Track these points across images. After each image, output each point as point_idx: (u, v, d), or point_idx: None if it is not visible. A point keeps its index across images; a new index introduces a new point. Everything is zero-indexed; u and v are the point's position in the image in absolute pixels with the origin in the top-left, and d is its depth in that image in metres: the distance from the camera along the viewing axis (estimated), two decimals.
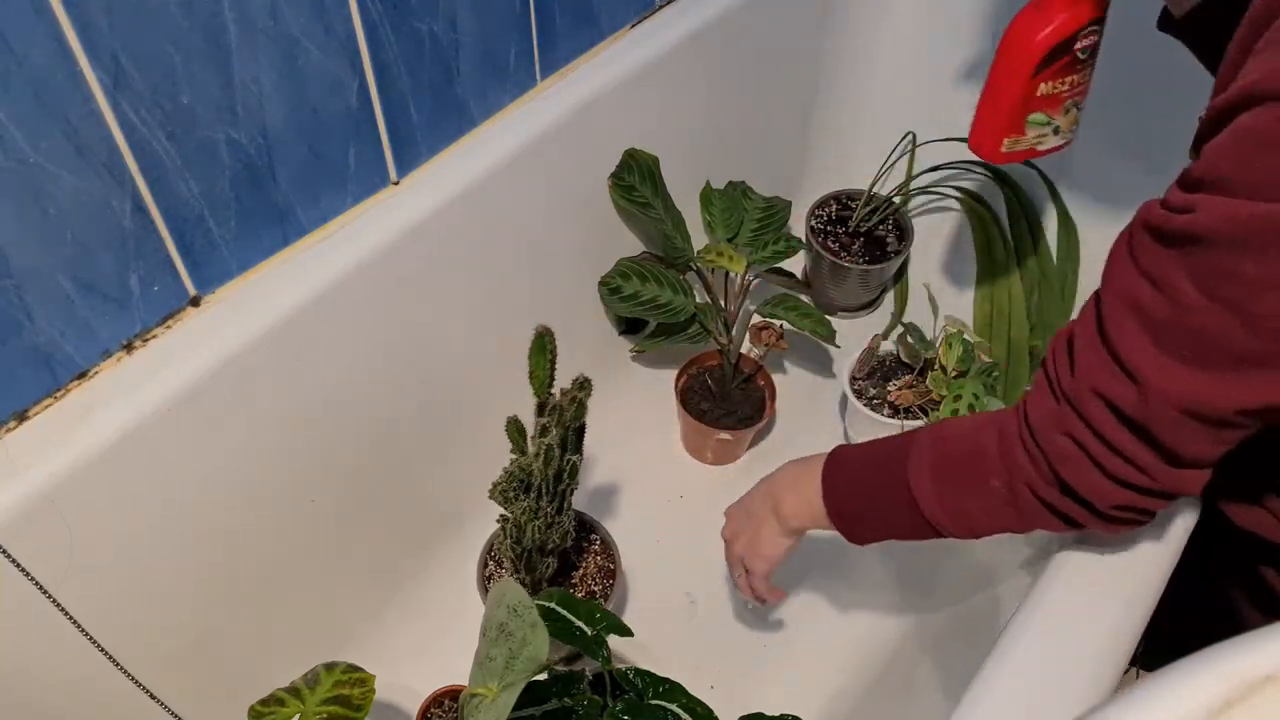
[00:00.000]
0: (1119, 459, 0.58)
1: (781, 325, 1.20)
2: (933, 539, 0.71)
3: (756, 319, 1.21)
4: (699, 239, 1.25)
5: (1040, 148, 0.96)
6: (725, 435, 1.21)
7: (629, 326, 1.31)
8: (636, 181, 1.15)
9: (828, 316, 1.43)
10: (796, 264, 1.47)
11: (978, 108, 0.96)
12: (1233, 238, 0.49)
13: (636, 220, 1.21)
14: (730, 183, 1.30)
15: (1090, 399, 0.57)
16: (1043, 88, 0.89)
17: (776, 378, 1.27)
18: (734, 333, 1.20)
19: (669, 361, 1.30)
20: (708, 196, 1.27)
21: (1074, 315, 1.34)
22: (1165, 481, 0.58)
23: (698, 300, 1.21)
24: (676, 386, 1.25)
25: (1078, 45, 0.88)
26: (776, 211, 1.29)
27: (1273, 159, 0.47)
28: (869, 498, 0.73)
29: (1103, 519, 0.62)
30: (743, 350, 1.23)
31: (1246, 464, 0.69)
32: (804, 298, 1.27)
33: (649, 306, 1.19)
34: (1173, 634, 0.71)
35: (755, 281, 1.23)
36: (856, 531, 0.76)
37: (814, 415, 1.29)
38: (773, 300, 1.22)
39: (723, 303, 1.20)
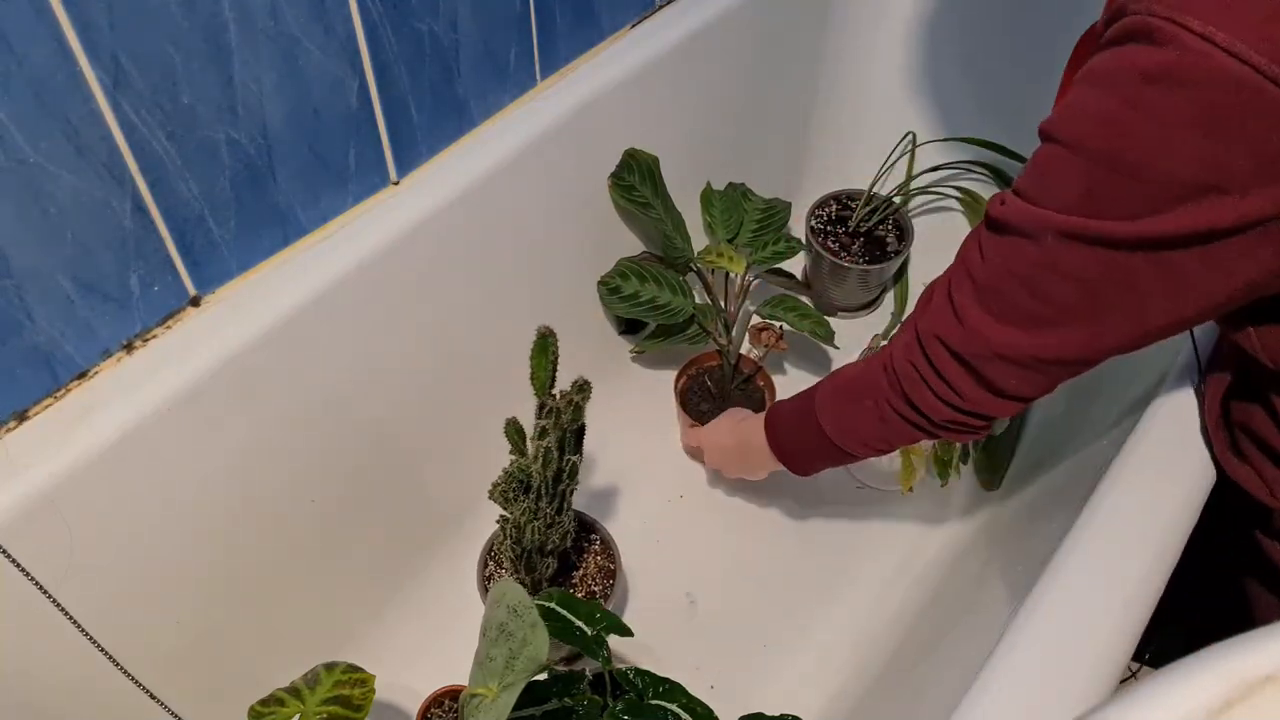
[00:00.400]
0: (944, 384, 0.74)
1: (781, 326, 1.20)
2: (843, 460, 0.91)
3: (756, 320, 1.21)
4: (699, 240, 1.25)
5: None
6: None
7: (628, 327, 1.31)
8: (636, 181, 1.15)
9: (827, 317, 1.43)
10: (796, 265, 1.47)
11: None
12: (1020, 227, 0.65)
13: (636, 220, 1.21)
14: (730, 184, 1.30)
15: (931, 338, 0.74)
16: None
17: (776, 378, 1.27)
18: (734, 333, 1.19)
19: (669, 362, 1.30)
20: (708, 197, 1.27)
21: None
22: (976, 404, 0.74)
23: (697, 301, 1.21)
24: (676, 387, 1.25)
25: None
26: (776, 212, 1.28)
27: (1047, 184, 0.63)
28: (796, 433, 0.93)
29: (938, 428, 0.79)
30: (742, 351, 1.22)
31: (1238, 417, 0.76)
32: (804, 299, 1.26)
33: (648, 307, 1.19)
34: (1177, 616, 0.73)
35: (755, 282, 1.23)
36: (796, 464, 0.96)
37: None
38: (772, 301, 1.22)
39: (722, 303, 1.20)
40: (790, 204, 1.31)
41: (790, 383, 1.34)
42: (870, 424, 0.83)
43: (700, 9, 1.17)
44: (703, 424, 1.17)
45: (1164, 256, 0.59)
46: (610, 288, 1.19)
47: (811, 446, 0.91)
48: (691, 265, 1.20)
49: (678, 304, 1.19)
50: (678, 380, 1.26)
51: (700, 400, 1.24)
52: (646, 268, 1.19)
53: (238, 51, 0.76)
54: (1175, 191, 0.56)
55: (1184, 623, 0.82)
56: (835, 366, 1.31)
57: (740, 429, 1.05)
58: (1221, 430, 0.78)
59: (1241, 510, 0.79)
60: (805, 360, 1.36)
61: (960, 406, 0.75)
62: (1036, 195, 0.64)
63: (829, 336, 1.20)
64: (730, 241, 1.24)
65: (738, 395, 1.24)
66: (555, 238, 1.12)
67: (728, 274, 1.18)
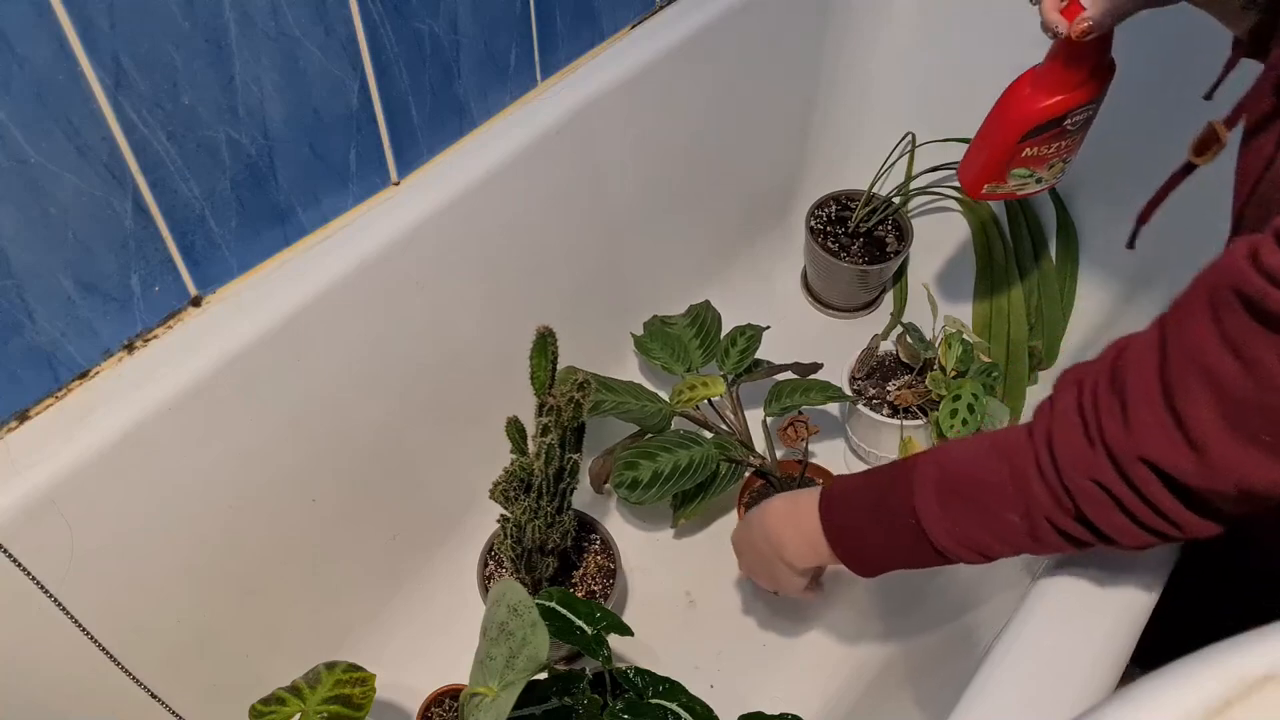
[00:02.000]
0: (1155, 515, 0.56)
1: (801, 411, 1.13)
2: (944, 565, 0.69)
3: (773, 420, 1.13)
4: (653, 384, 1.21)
5: (1020, 193, 0.98)
6: None
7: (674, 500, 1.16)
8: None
9: (827, 317, 1.43)
10: (796, 265, 1.48)
11: (970, 145, 0.98)
12: None
13: (606, 420, 1.14)
14: (648, 321, 1.27)
15: (1137, 462, 0.54)
16: (1028, 151, 0.92)
17: (817, 461, 1.18)
18: (760, 447, 1.12)
19: (718, 512, 1.19)
20: (645, 343, 1.23)
21: (1071, 314, 1.34)
22: (1196, 532, 0.57)
23: (708, 435, 1.12)
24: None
25: (1068, 121, 0.89)
26: (702, 317, 1.24)
27: None
28: (874, 532, 0.70)
29: (1125, 549, 0.61)
30: (779, 456, 1.14)
31: None
32: (789, 374, 1.18)
33: (681, 477, 1.06)
34: (1158, 635, 0.71)
35: (737, 388, 1.16)
36: (864, 566, 0.74)
37: (817, 418, 1.29)
38: (776, 394, 1.13)
39: (723, 426, 1.13)
40: (708, 302, 1.28)
41: (831, 459, 1.25)
42: (1010, 540, 0.63)
43: (700, 9, 1.17)
44: None
45: None
46: (630, 484, 1.05)
47: (899, 551, 0.70)
48: (674, 414, 1.13)
49: (701, 454, 1.07)
50: (741, 518, 1.13)
51: None
52: (644, 447, 1.08)
53: (238, 52, 0.76)
54: None
55: (1164, 627, 0.74)
56: (835, 367, 1.32)
57: (770, 524, 0.82)
58: None
59: (1219, 540, 0.74)
60: (830, 428, 1.30)
61: (1171, 535, 0.57)
62: None
63: (840, 394, 1.13)
64: (689, 371, 1.18)
65: None
66: (555, 238, 1.12)
67: (709, 400, 1.12)
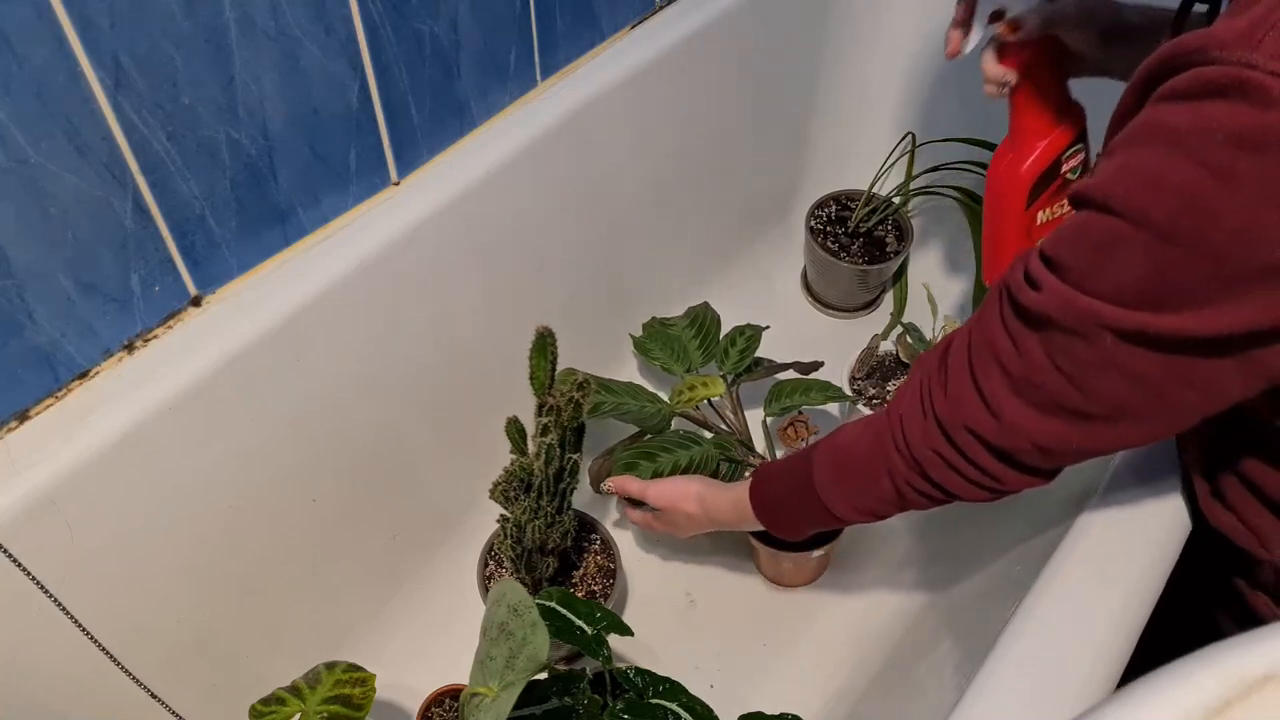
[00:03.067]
0: (979, 471, 0.67)
1: (801, 411, 1.12)
2: (841, 525, 0.85)
3: (773, 420, 1.12)
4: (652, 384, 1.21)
5: None
6: (818, 551, 1.08)
7: None
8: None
9: (827, 316, 1.43)
10: (796, 265, 1.48)
11: (983, 247, 0.94)
12: (1066, 322, 0.56)
13: (605, 421, 1.14)
14: (647, 323, 1.27)
15: (959, 429, 0.66)
16: (1041, 215, 0.87)
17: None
18: (760, 448, 1.11)
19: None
20: (644, 343, 1.23)
21: None
22: (1016, 485, 0.68)
23: (708, 436, 1.11)
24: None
25: (1065, 169, 0.86)
26: (701, 318, 1.24)
27: (1101, 262, 0.54)
28: (794, 511, 0.84)
29: (969, 501, 0.72)
30: (779, 455, 1.13)
31: (1224, 465, 0.71)
32: (790, 372, 1.17)
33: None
34: (1158, 635, 0.71)
35: (737, 388, 1.16)
36: (785, 531, 0.88)
37: (817, 418, 1.29)
38: (775, 394, 1.13)
39: (723, 426, 1.13)
40: (707, 303, 1.28)
41: None
42: (885, 501, 0.76)
43: (700, 9, 1.17)
44: (782, 548, 1.06)
45: (1248, 349, 0.52)
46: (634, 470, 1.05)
47: (809, 519, 0.84)
48: (674, 414, 1.13)
49: (701, 454, 1.07)
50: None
51: None
52: (645, 448, 1.07)
53: (238, 52, 0.76)
54: (1270, 277, 0.48)
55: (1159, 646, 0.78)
56: (835, 367, 1.32)
57: (710, 497, 0.96)
58: (1203, 478, 0.74)
59: (1220, 555, 0.75)
60: (830, 427, 1.29)
61: (1000, 489, 0.69)
62: (1083, 278, 0.55)
63: (841, 394, 1.13)
64: (689, 371, 1.18)
65: None
66: (555, 238, 1.12)
67: (709, 400, 1.12)
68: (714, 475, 1.08)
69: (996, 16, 0.82)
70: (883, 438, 0.73)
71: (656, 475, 1.05)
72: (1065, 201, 0.87)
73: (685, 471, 1.06)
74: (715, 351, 1.20)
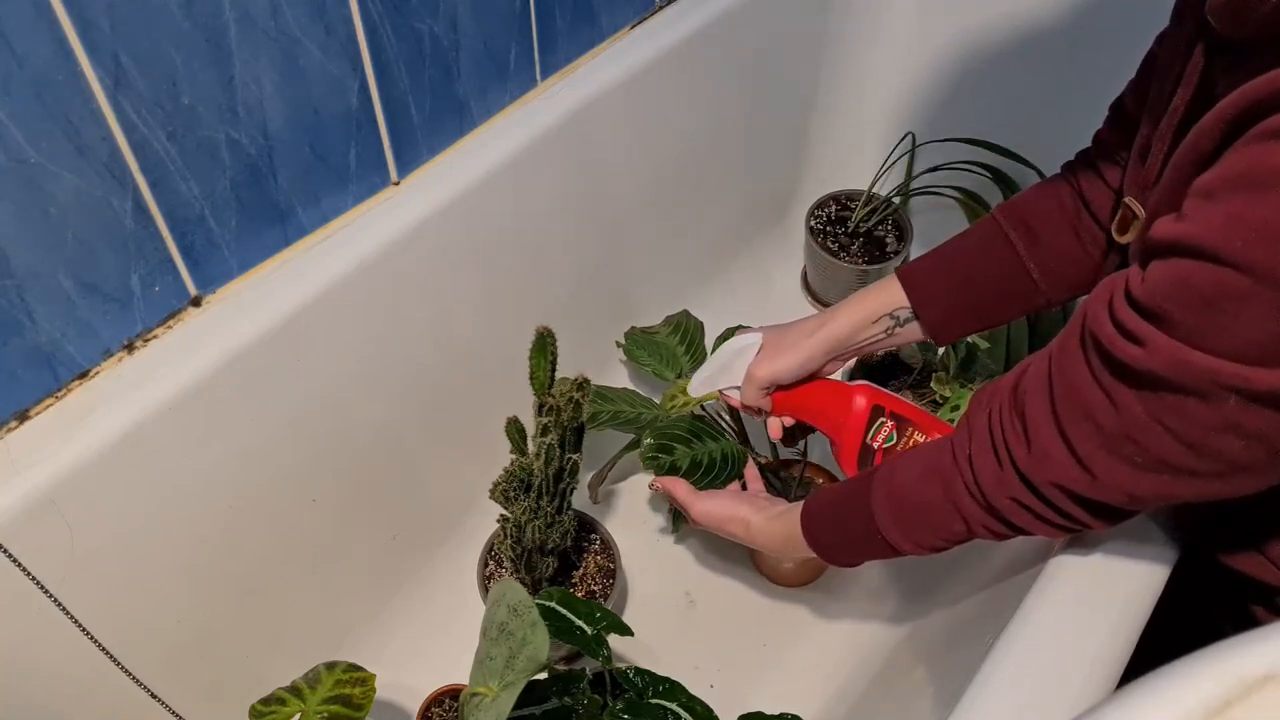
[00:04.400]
0: (1064, 518, 0.64)
1: None
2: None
3: (775, 420, 1.10)
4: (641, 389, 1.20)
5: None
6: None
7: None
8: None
9: (823, 310, 1.43)
10: (796, 265, 1.48)
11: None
12: (1180, 381, 0.52)
13: (606, 433, 1.13)
14: (628, 332, 1.26)
15: (1049, 486, 0.62)
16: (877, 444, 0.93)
17: (815, 457, 1.16)
18: (759, 446, 1.11)
19: None
20: (632, 350, 1.22)
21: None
22: (1103, 527, 0.65)
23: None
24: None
25: (876, 444, 0.91)
26: (682, 325, 1.24)
27: (1217, 320, 0.50)
28: (853, 549, 0.81)
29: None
30: (779, 456, 1.14)
31: (1242, 512, 0.70)
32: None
33: (715, 471, 1.04)
34: (1158, 635, 0.71)
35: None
36: (848, 564, 0.84)
37: None
38: None
39: (721, 425, 1.12)
40: (685, 311, 1.27)
41: (831, 459, 1.21)
42: (955, 540, 0.73)
43: (700, 9, 1.17)
44: None
45: None
46: (669, 470, 1.03)
47: (869, 554, 0.80)
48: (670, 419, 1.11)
49: (724, 447, 1.06)
50: None
51: None
52: (671, 430, 1.05)
53: (238, 52, 0.76)
54: None
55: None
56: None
57: (758, 527, 0.91)
58: (1214, 518, 0.73)
59: (1234, 586, 0.75)
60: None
61: (1085, 529, 0.66)
62: (1196, 335, 0.51)
63: None
64: (679, 376, 1.17)
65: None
66: (555, 238, 1.12)
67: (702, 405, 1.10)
68: (727, 475, 1.06)
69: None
70: (953, 486, 0.69)
71: (695, 464, 1.04)
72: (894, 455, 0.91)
73: (714, 465, 1.05)
74: (701, 357, 1.20)
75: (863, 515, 0.77)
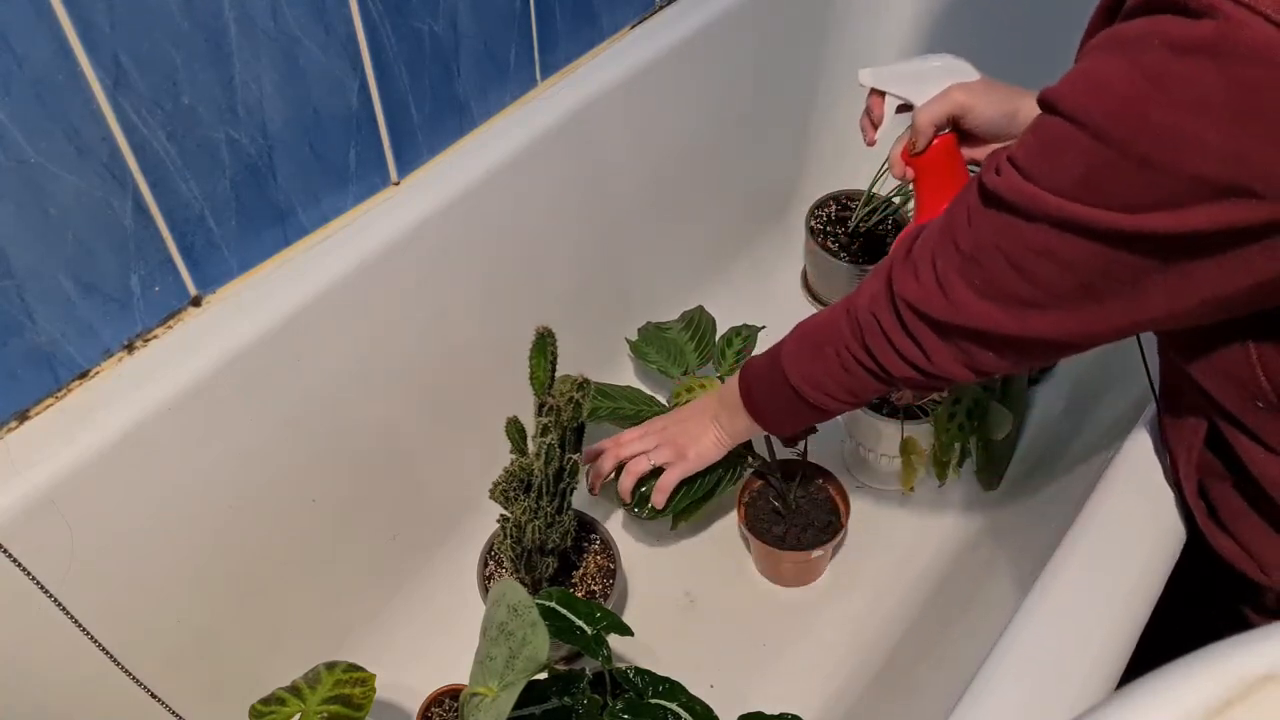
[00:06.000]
0: (914, 345, 0.71)
1: None
2: (813, 416, 0.86)
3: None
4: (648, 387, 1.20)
5: None
6: (818, 551, 1.08)
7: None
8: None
9: (823, 309, 1.43)
10: (796, 265, 1.48)
11: None
12: (1015, 203, 0.59)
13: (604, 425, 1.14)
14: (642, 327, 1.26)
15: (906, 301, 0.69)
16: None
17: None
18: (760, 447, 1.11)
19: (716, 513, 1.19)
20: (639, 347, 1.23)
21: None
22: (942, 365, 0.71)
23: None
24: (741, 529, 1.12)
25: None
26: (696, 321, 1.23)
27: (1047, 161, 0.57)
28: (768, 386, 0.87)
29: (895, 381, 0.75)
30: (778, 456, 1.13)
31: (1218, 487, 0.71)
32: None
33: (691, 488, 1.05)
34: (1157, 636, 0.71)
35: None
36: (770, 421, 0.91)
37: None
38: None
39: None
40: (700, 307, 1.28)
41: (831, 459, 1.22)
42: (834, 374, 0.79)
43: (700, 9, 1.17)
44: (782, 548, 1.07)
45: (1170, 255, 0.55)
46: (650, 510, 1.03)
47: (782, 400, 0.85)
48: None
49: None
50: (741, 521, 1.11)
51: (771, 525, 1.10)
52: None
53: (238, 52, 0.76)
54: (1195, 188, 0.50)
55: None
56: None
57: (706, 401, 0.99)
58: (1200, 499, 0.73)
59: (1223, 581, 0.75)
60: (829, 428, 1.28)
61: (925, 370, 0.72)
62: (1032, 170, 0.58)
63: None
64: (685, 373, 1.17)
65: (805, 503, 1.11)
66: (555, 237, 1.12)
67: None
68: (717, 480, 1.08)
69: (904, 108, 0.89)
70: (838, 307, 0.78)
71: (688, 483, 1.05)
72: None
73: (692, 481, 1.05)
74: (711, 353, 1.20)
75: (777, 348, 0.84)
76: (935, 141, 0.87)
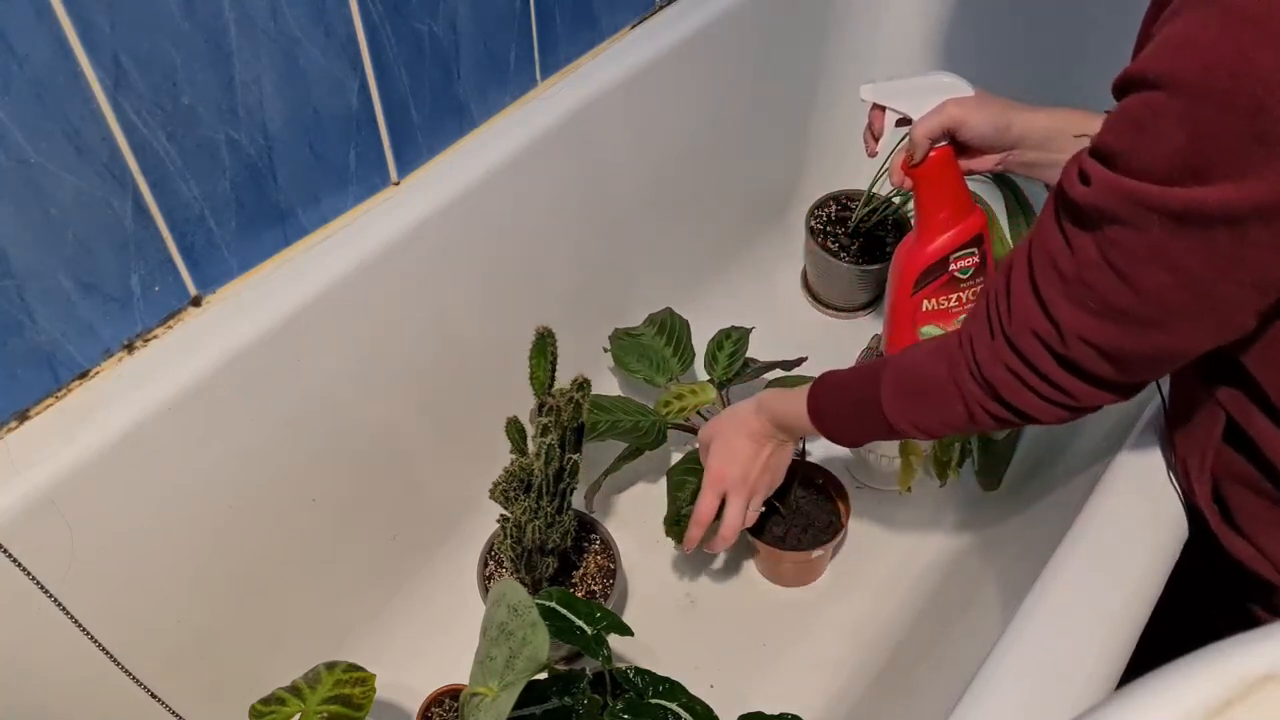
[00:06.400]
0: (1049, 385, 0.66)
1: None
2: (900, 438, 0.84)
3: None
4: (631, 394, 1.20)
5: None
6: (818, 551, 1.08)
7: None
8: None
9: (826, 316, 1.43)
10: (796, 264, 1.48)
11: (885, 318, 1.02)
12: (1114, 211, 0.56)
13: (605, 441, 1.12)
14: (612, 334, 1.24)
15: (1026, 338, 0.65)
16: (926, 304, 0.96)
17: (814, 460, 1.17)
18: None
19: None
20: (621, 357, 1.20)
21: None
22: (1089, 399, 0.67)
23: None
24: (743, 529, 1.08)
25: (954, 266, 0.94)
26: (667, 324, 1.21)
27: (1142, 139, 0.53)
28: (854, 424, 0.86)
29: (1046, 423, 0.71)
30: None
31: (1239, 489, 0.71)
32: (778, 372, 1.16)
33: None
34: (1158, 635, 0.71)
35: (728, 391, 1.15)
36: (842, 440, 0.89)
37: None
38: None
39: None
40: (674, 310, 1.26)
41: (829, 458, 1.21)
42: (954, 424, 0.76)
43: (700, 9, 1.17)
44: (782, 548, 1.08)
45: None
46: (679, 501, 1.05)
47: (868, 432, 0.84)
48: (668, 426, 1.12)
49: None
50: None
51: (772, 525, 1.10)
52: (690, 465, 1.05)
53: (238, 52, 0.76)
54: None
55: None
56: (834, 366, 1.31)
57: (761, 403, 0.96)
58: (1213, 504, 0.73)
59: (1234, 582, 0.75)
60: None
61: (1073, 405, 0.67)
62: (1124, 157, 0.54)
63: None
64: (671, 381, 1.16)
65: (805, 503, 1.12)
66: (555, 237, 1.12)
67: (698, 410, 1.09)
68: None
69: (903, 122, 0.92)
70: (955, 362, 0.72)
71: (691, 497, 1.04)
72: (952, 296, 0.96)
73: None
74: (690, 358, 1.18)
75: (869, 389, 0.80)
76: (932, 154, 0.89)
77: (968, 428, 0.75)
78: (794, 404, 0.91)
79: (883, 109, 0.93)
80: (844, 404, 0.86)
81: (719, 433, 0.99)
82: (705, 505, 0.98)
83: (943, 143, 0.89)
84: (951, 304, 0.96)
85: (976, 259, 0.94)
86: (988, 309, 0.70)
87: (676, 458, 1.14)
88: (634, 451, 1.12)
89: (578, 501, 1.02)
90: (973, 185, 1.40)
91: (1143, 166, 0.53)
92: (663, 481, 1.22)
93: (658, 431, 1.11)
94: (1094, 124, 0.82)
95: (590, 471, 1.15)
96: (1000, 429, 0.75)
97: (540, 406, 0.89)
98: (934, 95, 0.89)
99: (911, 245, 0.95)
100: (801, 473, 1.12)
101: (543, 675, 0.72)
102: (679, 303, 1.32)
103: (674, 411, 1.11)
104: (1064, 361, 0.64)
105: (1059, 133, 0.84)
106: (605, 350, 1.24)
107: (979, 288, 0.96)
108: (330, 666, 0.78)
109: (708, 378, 1.17)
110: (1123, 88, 0.54)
